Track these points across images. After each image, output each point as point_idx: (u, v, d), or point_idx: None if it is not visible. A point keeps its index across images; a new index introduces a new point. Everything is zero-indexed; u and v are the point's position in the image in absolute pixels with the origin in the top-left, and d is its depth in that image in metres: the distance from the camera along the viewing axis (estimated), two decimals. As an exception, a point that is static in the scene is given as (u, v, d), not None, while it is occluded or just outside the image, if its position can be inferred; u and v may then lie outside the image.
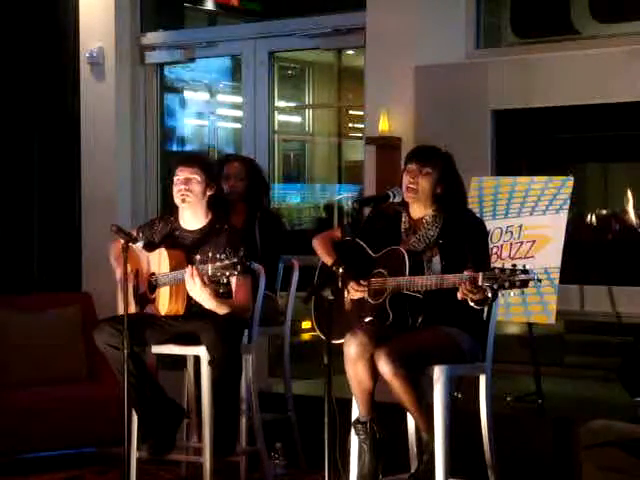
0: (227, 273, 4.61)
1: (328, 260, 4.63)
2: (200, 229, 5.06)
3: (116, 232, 4.89)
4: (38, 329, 6.10)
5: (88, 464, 5.82)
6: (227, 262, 4.60)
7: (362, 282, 4.47)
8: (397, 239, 4.53)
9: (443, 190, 4.48)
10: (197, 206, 5.03)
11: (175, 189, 5.01)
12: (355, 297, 4.51)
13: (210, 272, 4.67)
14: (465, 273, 4.13)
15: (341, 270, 4.22)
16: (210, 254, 4.70)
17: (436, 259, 4.40)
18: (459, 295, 4.18)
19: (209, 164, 5.24)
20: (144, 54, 7.76)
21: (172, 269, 4.91)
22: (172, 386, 5.23)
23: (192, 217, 5.06)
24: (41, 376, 5.94)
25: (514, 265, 4.05)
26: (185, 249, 4.99)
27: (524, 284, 4.01)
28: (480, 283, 4.07)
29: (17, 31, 7.36)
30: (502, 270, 4.03)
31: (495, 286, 4.03)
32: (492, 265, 4.26)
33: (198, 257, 4.79)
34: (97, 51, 7.55)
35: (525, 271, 4.00)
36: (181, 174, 5.01)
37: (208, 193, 5.03)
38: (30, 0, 7.44)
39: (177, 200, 5.02)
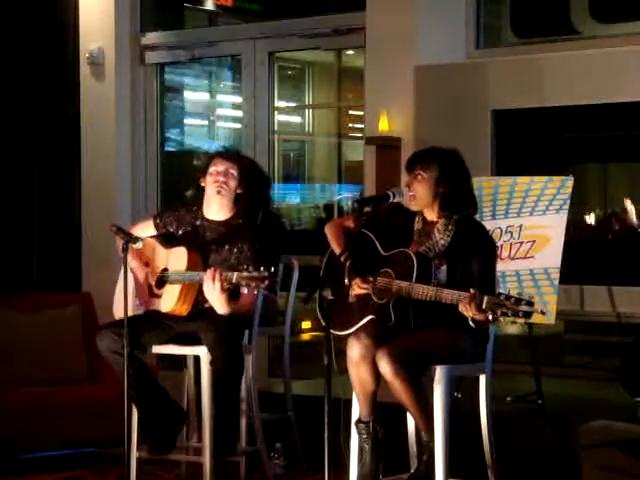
0: (253, 285, 4.59)
1: (337, 249, 4.59)
2: (225, 221, 5.08)
3: (116, 232, 4.89)
4: (38, 329, 6.10)
5: (88, 464, 5.81)
6: (256, 274, 4.56)
7: (367, 279, 4.44)
8: (409, 239, 4.50)
9: (447, 188, 4.43)
10: (227, 200, 5.07)
11: (211, 179, 5.05)
12: (356, 293, 4.49)
13: (234, 280, 4.66)
14: (468, 293, 4.10)
15: (348, 264, 4.22)
16: (233, 258, 4.81)
17: (443, 269, 4.39)
18: (460, 307, 4.15)
19: (245, 164, 5.23)
20: (144, 54, 7.76)
21: (187, 270, 4.90)
22: (172, 386, 5.22)
23: (219, 209, 5.09)
24: (41, 376, 5.94)
25: (520, 294, 4.02)
26: (205, 244, 5.01)
27: (527, 315, 3.98)
28: (484, 307, 4.04)
29: (17, 31, 7.36)
30: (507, 297, 4.00)
31: (498, 312, 4.00)
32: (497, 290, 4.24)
33: (221, 257, 4.85)
34: (97, 51, 7.55)
35: (530, 303, 3.96)
36: (220, 166, 5.06)
37: (238, 191, 5.09)
38: (30, 0, 7.44)
39: (211, 190, 5.05)
